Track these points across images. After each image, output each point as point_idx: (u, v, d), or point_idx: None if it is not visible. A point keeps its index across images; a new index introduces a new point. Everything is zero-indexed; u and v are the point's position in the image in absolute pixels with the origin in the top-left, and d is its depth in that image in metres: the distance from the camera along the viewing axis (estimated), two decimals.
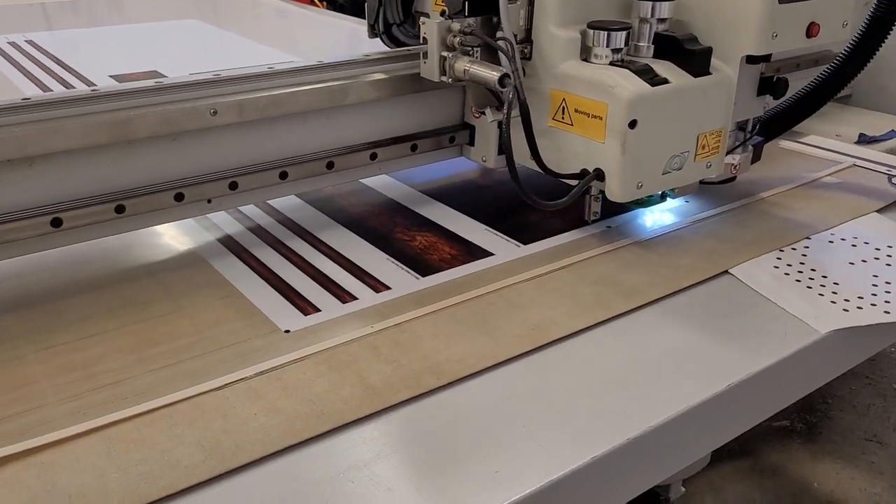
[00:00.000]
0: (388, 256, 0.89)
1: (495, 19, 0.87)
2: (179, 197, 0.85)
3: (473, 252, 0.90)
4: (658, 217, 0.98)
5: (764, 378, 0.71)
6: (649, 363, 0.71)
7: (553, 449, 0.60)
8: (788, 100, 1.04)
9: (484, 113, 0.92)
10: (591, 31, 0.85)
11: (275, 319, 0.76)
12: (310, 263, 0.87)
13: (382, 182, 1.08)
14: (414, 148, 1.01)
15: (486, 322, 0.76)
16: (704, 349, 0.73)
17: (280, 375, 0.68)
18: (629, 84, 0.82)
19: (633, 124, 0.82)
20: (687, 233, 0.94)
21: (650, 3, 0.85)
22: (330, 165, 0.95)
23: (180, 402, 0.64)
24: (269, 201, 1.02)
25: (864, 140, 1.34)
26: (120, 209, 0.82)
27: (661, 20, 0.86)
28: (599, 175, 0.86)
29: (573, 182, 0.88)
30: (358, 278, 0.84)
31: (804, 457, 1.72)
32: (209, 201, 0.88)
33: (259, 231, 0.94)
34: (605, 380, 0.69)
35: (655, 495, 1.42)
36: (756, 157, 1.01)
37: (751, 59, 0.89)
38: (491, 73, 0.84)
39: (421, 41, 0.90)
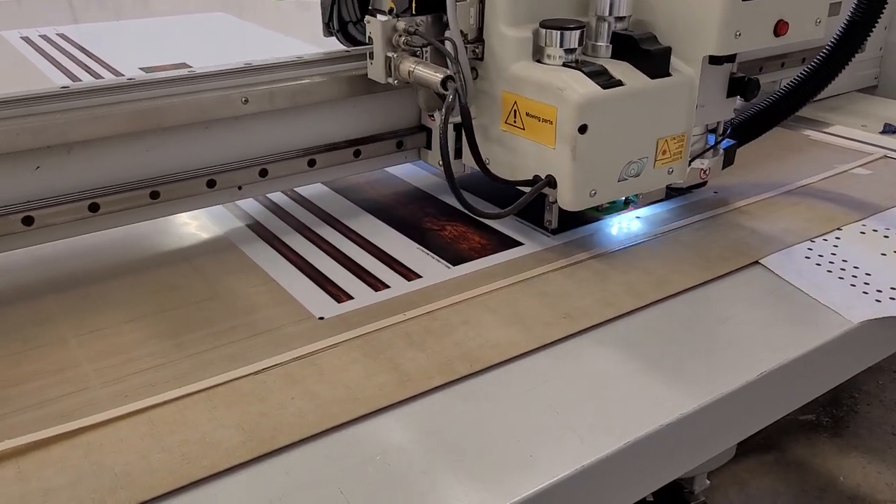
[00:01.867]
0: (418, 246, 0.89)
1: (445, 18, 0.84)
2: (211, 183, 0.88)
3: (503, 241, 0.90)
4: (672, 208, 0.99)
5: (796, 367, 0.71)
6: (681, 351, 0.71)
7: (586, 434, 0.61)
8: (764, 102, 1.01)
9: (433, 116, 0.90)
10: (543, 31, 0.81)
11: (309, 307, 0.77)
12: (342, 252, 0.88)
13: (409, 171, 1.09)
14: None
15: (517, 310, 0.76)
16: (736, 337, 0.73)
17: (315, 361, 0.69)
18: (579, 87, 0.77)
19: (583, 129, 0.77)
20: (717, 223, 0.94)
21: (607, 0, 0.81)
22: (357, 154, 0.97)
23: (219, 386, 0.65)
24: (299, 190, 1.03)
25: (889, 130, 1.31)
26: (154, 195, 0.84)
27: (620, 18, 0.82)
28: (551, 182, 0.82)
29: (526, 189, 0.84)
30: (389, 267, 0.85)
31: (830, 451, 1.71)
32: (240, 188, 0.90)
33: (290, 219, 0.95)
34: (636, 367, 0.69)
35: (679, 487, 1.42)
36: (728, 161, 0.98)
37: (714, 60, 0.84)
38: (434, 76, 0.81)
39: (367, 41, 0.88)
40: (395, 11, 0.86)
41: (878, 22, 0.93)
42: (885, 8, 0.91)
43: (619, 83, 0.79)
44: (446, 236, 0.92)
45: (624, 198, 0.92)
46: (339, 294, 0.79)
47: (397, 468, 0.58)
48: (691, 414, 0.64)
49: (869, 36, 0.94)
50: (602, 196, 0.83)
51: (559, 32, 0.80)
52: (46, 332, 0.73)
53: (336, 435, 0.61)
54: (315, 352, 0.70)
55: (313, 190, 1.03)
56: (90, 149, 0.81)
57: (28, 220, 0.78)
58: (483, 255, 0.87)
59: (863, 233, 0.93)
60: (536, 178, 0.83)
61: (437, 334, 0.73)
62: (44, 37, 1.89)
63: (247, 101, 0.86)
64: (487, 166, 0.85)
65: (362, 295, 0.79)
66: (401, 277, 0.83)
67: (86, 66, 1.63)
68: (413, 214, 0.97)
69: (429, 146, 1.00)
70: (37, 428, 0.60)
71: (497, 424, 0.62)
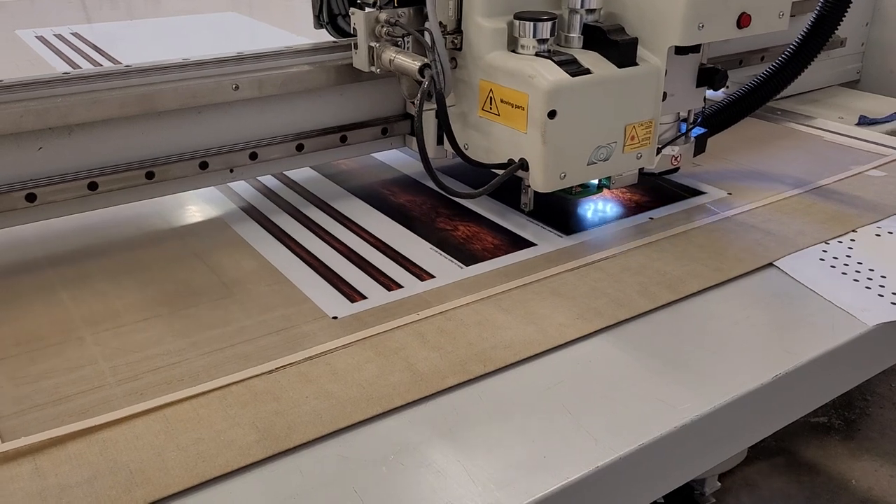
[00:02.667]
0: (431, 246, 0.89)
1: (426, 10, 0.87)
2: (204, 165, 0.92)
3: (516, 242, 0.90)
4: (696, 206, 0.98)
5: (811, 370, 0.71)
6: (695, 353, 0.71)
7: (599, 436, 0.61)
8: (734, 94, 1.05)
9: (415, 103, 0.91)
10: (517, 22, 0.85)
11: (323, 306, 0.77)
12: (355, 252, 0.88)
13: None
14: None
15: (530, 311, 0.76)
16: (750, 340, 0.73)
17: (329, 360, 0.69)
18: (549, 74, 0.81)
19: (552, 115, 0.81)
20: (731, 224, 0.94)
21: None
22: (343, 139, 1.00)
23: (234, 385, 0.65)
24: (313, 190, 1.03)
25: (864, 122, 1.35)
26: (150, 175, 0.89)
27: (590, 11, 0.86)
28: (524, 165, 0.86)
29: (500, 172, 0.88)
30: (403, 267, 0.85)
31: (842, 454, 1.70)
32: (231, 170, 0.95)
33: (305, 220, 0.96)
34: (650, 369, 0.69)
35: (690, 489, 1.42)
36: (700, 149, 1.01)
37: (679, 50, 0.88)
38: (412, 64, 0.86)
39: (352, 32, 0.92)
40: (378, 4, 0.91)
41: (844, 16, 0.97)
42: (851, 3, 0.96)
43: (588, 71, 0.83)
44: (459, 236, 0.92)
45: (597, 182, 0.95)
46: (352, 294, 0.80)
47: (411, 468, 0.58)
48: (705, 416, 0.64)
49: (836, 30, 0.98)
50: (572, 178, 0.87)
51: (532, 24, 0.84)
52: (63, 331, 0.73)
53: (350, 434, 0.61)
54: (329, 351, 0.70)
55: (330, 191, 1.03)
56: (89, 131, 0.85)
57: (31, 197, 0.83)
58: (496, 256, 0.87)
59: (878, 235, 0.92)
60: (510, 162, 0.87)
61: (450, 334, 0.73)
62: (58, 36, 1.90)
63: (237, 87, 0.91)
64: (466, 151, 0.90)
65: (376, 295, 0.79)
66: (414, 277, 0.83)
67: (99, 64, 1.64)
68: (426, 215, 0.97)
69: (413, 133, 1.03)
70: (53, 425, 0.60)
71: (511, 425, 0.62)
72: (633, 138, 0.88)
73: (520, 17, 0.85)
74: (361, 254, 0.88)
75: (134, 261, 0.86)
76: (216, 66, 0.91)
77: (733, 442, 0.69)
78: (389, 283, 0.82)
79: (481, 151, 0.91)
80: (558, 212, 0.98)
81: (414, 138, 0.98)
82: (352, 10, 0.91)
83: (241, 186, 1.05)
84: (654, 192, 1.03)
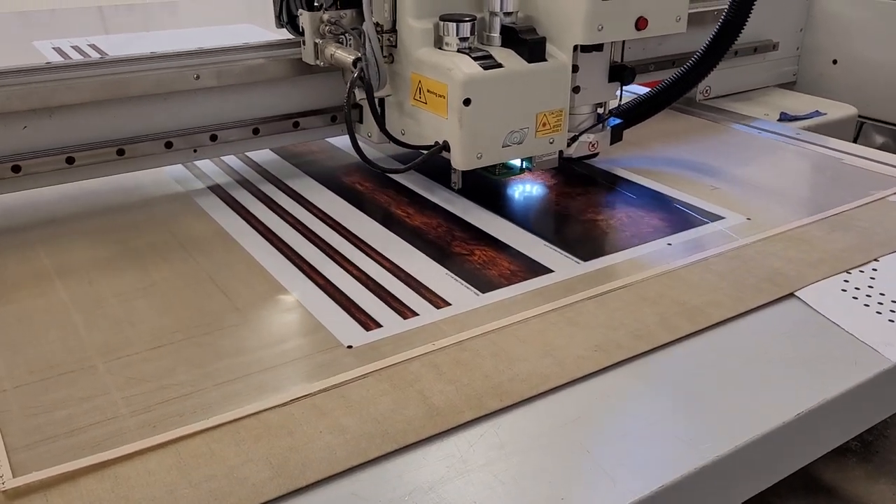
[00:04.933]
0: (447, 271, 0.89)
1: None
2: (169, 145, 1.04)
3: (533, 268, 0.89)
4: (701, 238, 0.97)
5: (834, 407, 0.69)
6: (716, 388, 0.70)
7: (618, 476, 0.60)
8: (649, 92, 1.18)
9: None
10: (441, 23, 0.97)
11: (337, 335, 0.76)
12: (371, 277, 0.87)
13: (439, 194, 1.09)
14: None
15: (547, 341, 0.75)
16: (772, 375, 0.72)
17: (344, 392, 0.68)
18: (465, 67, 0.93)
19: (467, 102, 0.93)
20: (751, 252, 0.93)
21: None
22: (296, 125, 1.13)
23: (247, 418, 0.65)
24: (327, 210, 1.03)
25: (785, 118, 1.46)
26: (120, 152, 1.02)
27: (508, 14, 0.97)
28: (446, 146, 0.97)
29: (429, 152, 1.00)
30: (418, 293, 0.84)
31: (859, 476, 1.67)
32: (195, 150, 1.07)
33: (322, 244, 0.95)
34: (670, 405, 0.68)
35: None
36: (616, 138, 1.12)
37: (586, 49, 1.01)
38: (347, 57, 1.00)
39: (300, 30, 1.06)
40: (323, 6, 1.05)
41: (748, 21, 1.10)
42: (752, 9, 1.09)
43: (499, 65, 0.95)
44: (475, 262, 0.91)
45: (520, 164, 1.06)
46: (367, 321, 0.79)
47: None
48: (726, 457, 0.62)
49: (741, 33, 1.11)
50: (488, 158, 0.98)
51: (455, 24, 0.96)
52: (76, 361, 0.73)
53: (364, 472, 0.60)
54: (343, 382, 0.69)
55: (344, 210, 1.03)
56: (68, 113, 0.99)
57: (16, 169, 0.96)
58: (513, 283, 0.86)
59: None
60: (436, 144, 0.98)
61: (466, 366, 0.72)
62: (76, 48, 1.91)
63: (198, 77, 1.03)
64: (403, 136, 1.04)
65: (391, 323, 0.79)
66: (430, 305, 0.82)
67: None
68: (442, 238, 0.96)
69: (361, 120, 1.13)
70: (66, 459, 0.60)
71: (528, 464, 0.61)
72: (544, 125, 1.00)
73: (444, 18, 0.97)
74: (377, 279, 0.87)
75: (148, 282, 0.86)
76: (181, 59, 1.04)
77: (754, 482, 0.67)
78: (405, 311, 0.81)
79: (415, 136, 1.03)
80: (574, 236, 0.97)
81: (361, 125, 1.13)
82: (300, 10, 1.06)
83: (262, 211, 1.05)
84: (672, 217, 1.02)
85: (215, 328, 0.78)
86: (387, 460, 0.61)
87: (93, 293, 0.84)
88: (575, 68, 1.02)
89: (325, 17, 1.03)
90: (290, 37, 1.16)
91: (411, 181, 1.13)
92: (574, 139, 1.06)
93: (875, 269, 0.90)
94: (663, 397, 0.69)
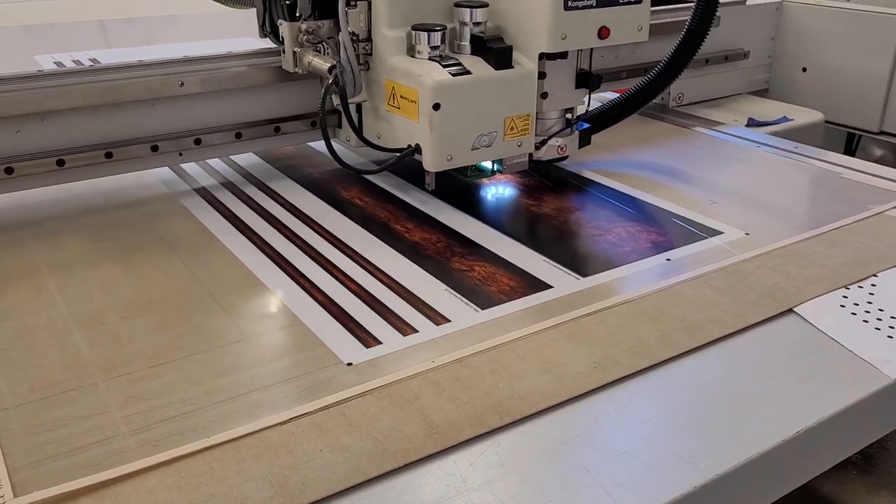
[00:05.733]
0: (446, 287, 0.89)
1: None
2: (155, 148, 1.10)
3: (533, 284, 0.89)
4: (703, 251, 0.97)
5: (833, 425, 0.69)
6: (716, 406, 0.70)
7: (618, 496, 0.60)
8: (617, 98, 1.24)
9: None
10: (413, 32, 1.03)
11: (337, 351, 0.77)
12: (370, 293, 0.87)
13: (438, 208, 1.09)
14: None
15: (547, 358, 0.75)
16: (772, 392, 0.72)
17: (343, 410, 0.68)
18: (435, 74, 0.99)
19: (436, 107, 0.98)
20: (750, 267, 0.93)
21: (467, 10, 1.03)
22: (277, 129, 1.19)
23: (247, 437, 0.65)
24: (327, 227, 1.03)
25: (752, 123, 1.52)
26: (109, 155, 1.07)
27: (477, 24, 1.03)
28: (418, 149, 1.03)
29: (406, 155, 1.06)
30: (417, 309, 0.84)
31: (859, 489, 1.67)
32: (180, 154, 1.13)
33: (320, 259, 0.95)
34: (670, 423, 0.68)
35: None
36: (584, 142, 1.17)
37: (550, 56, 1.05)
38: (323, 64, 1.05)
39: (280, 40, 1.12)
40: (302, 16, 1.10)
41: (709, 30, 1.15)
42: (713, 19, 1.15)
43: (468, 72, 1.00)
44: (475, 277, 0.91)
45: (491, 166, 1.11)
46: (367, 338, 0.79)
47: None
48: (726, 475, 0.62)
49: (703, 42, 1.16)
50: (458, 160, 1.03)
51: (426, 33, 1.02)
52: (77, 378, 0.73)
53: (364, 491, 0.60)
54: (343, 400, 0.69)
55: (344, 227, 1.04)
56: (59, 117, 1.04)
57: (9, 170, 1.01)
58: (512, 298, 0.86)
59: None
60: (409, 147, 1.04)
61: (466, 383, 0.72)
62: (76, 62, 1.91)
63: (182, 84, 1.09)
64: (378, 140, 1.10)
65: (391, 339, 0.79)
66: (429, 321, 0.82)
67: None
68: (441, 253, 0.97)
69: (340, 125, 1.18)
70: (67, 478, 0.60)
71: (528, 483, 0.61)
72: (512, 128, 1.05)
73: (416, 28, 1.02)
74: (376, 295, 0.87)
75: (147, 300, 0.86)
76: (167, 66, 1.09)
77: (754, 499, 0.67)
78: (404, 328, 0.81)
79: (389, 139, 1.09)
80: (573, 252, 0.97)
81: (341, 130, 1.19)
82: (279, 21, 1.12)
83: (261, 226, 1.05)
84: (671, 232, 1.02)
85: (216, 345, 0.78)
86: (387, 479, 0.61)
87: (88, 301, 0.84)
88: (542, 75, 1.07)
89: (304, 27, 1.09)
90: (273, 46, 1.20)
91: (411, 197, 1.13)
92: (543, 143, 1.11)
93: (874, 285, 0.90)
94: (663, 415, 0.69)
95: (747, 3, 1.69)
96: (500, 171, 1.12)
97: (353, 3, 1.06)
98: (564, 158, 1.15)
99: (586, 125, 1.17)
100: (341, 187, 1.17)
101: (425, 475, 0.62)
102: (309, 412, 0.68)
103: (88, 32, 2.29)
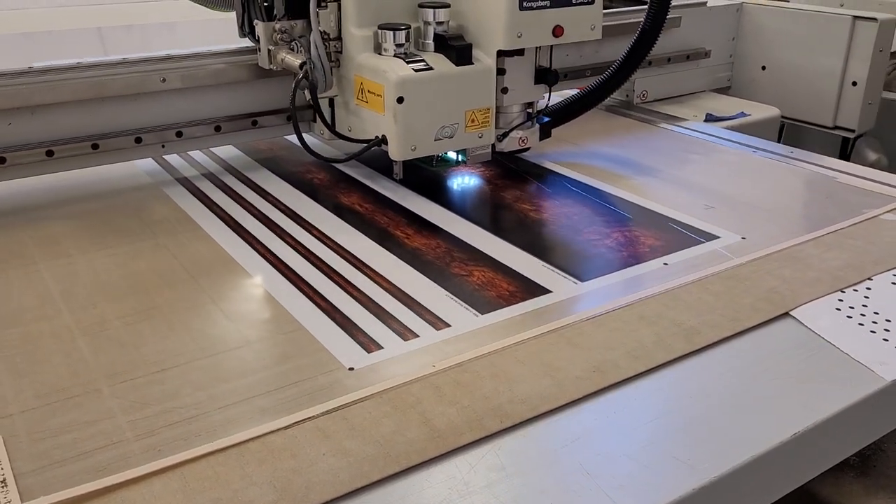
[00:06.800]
0: (446, 292, 0.90)
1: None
2: (138, 140, 1.17)
3: (532, 289, 0.90)
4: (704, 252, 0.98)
5: (829, 427, 0.70)
6: (714, 409, 0.71)
7: (618, 498, 0.61)
8: (576, 94, 1.31)
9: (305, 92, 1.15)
10: (380, 31, 1.09)
11: (339, 356, 0.77)
12: (371, 299, 0.88)
13: (438, 215, 1.10)
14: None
15: (546, 362, 0.76)
16: (769, 395, 0.73)
17: (346, 415, 0.69)
18: (398, 70, 1.06)
19: (400, 100, 1.05)
20: (746, 271, 0.94)
21: (430, 10, 1.10)
22: (255, 123, 1.25)
23: (251, 441, 0.65)
24: (328, 233, 1.04)
25: (710, 118, 1.58)
26: (95, 146, 1.14)
27: (439, 23, 1.10)
28: (384, 140, 1.10)
29: (367, 145, 1.13)
30: (418, 314, 0.85)
31: (857, 491, 1.68)
32: (163, 146, 1.20)
33: (322, 265, 0.96)
34: (667, 426, 0.69)
35: None
36: (545, 135, 1.24)
37: (507, 53, 1.12)
38: (295, 61, 1.12)
39: (256, 38, 1.18)
40: (277, 16, 1.16)
41: (662, 30, 1.21)
42: (666, 20, 1.20)
43: (430, 68, 1.07)
44: (474, 282, 0.92)
45: (456, 157, 1.18)
46: (368, 343, 0.80)
47: None
48: (724, 477, 0.63)
49: (656, 41, 1.22)
50: (422, 150, 1.10)
51: (392, 32, 1.08)
52: (82, 384, 0.74)
53: (367, 494, 0.61)
54: (345, 405, 0.70)
55: (347, 235, 1.04)
56: (48, 111, 1.11)
57: (2, 160, 1.08)
58: (511, 303, 0.87)
59: (894, 283, 0.92)
60: (376, 138, 1.11)
61: (466, 388, 0.73)
62: None
63: (164, 80, 1.16)
64: (349, 133, 1.17)
65: (391, 345, 0.80)
66: (430, 326, 0.83)
67: None
68: (441, 259, 0.98)
69: (315, 119, 1.23)
70: (72, 483, 0.60)
71: (529, 486, 0.62)
72: (473, 121, 1.12)
73: (382, 27, 1.09)
74: (377, 300, 0.88)
75: (149, 303, 0.87)
76: (150, 63, 1.16)
77: (751, 502, 0.68)
78: (405, 332, 0.82)
79: (359, 131, 1.16)
80: (571, 256, 0.98)
81: (315, 124, 1.24)
82: (255, 21, 1.18)
83: (264, 234, 1.06)
84: (668, 237, 1.03)
85: (219, 350, 0.79)
86: (389, 483, 0.62)
87: (87, 310, 0.85)
88: (502, 71, 1.14)
89: (278, 26, 1.15)
90: (251, 44, 1.25)
91: (410, 202, 1.14)
92: (505, 135, 1.18)
93: (869, 288, 0.91)
94: (661, 418, 0.70)
95: (708, 4, 1.74)
96: (463, 162, 1.18)
97: (323, 3, 1.13)
98: (526, 150, 1.22)
99: (547, 119, 1.25)
100: (341, 193, 1.18)
101: (427, 479, 0.63)
102: (312, 416, 0.68)
103: (86, 39, 2.30)
